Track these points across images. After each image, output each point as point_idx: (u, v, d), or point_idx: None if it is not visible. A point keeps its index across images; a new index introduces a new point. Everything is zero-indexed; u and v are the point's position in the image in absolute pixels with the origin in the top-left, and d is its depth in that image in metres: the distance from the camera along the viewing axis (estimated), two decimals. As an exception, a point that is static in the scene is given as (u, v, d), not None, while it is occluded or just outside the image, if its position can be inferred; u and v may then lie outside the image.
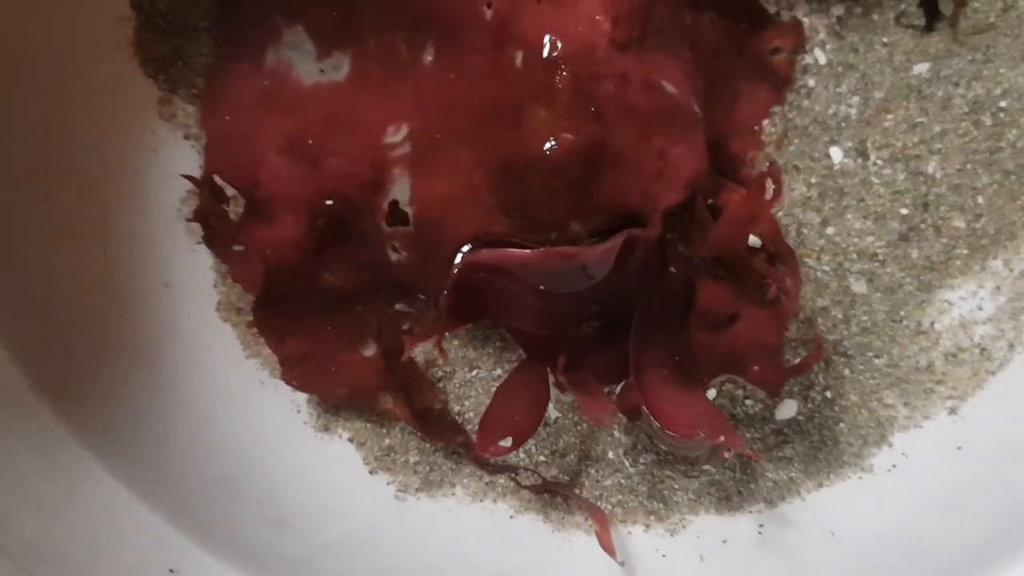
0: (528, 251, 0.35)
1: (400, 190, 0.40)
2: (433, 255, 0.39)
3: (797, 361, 0.41)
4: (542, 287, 0.36)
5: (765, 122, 0.44)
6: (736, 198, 0.38)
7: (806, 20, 0.45)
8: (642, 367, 0.37)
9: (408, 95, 0.41)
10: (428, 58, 0.40)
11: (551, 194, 0.37)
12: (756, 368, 0.37)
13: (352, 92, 0.42)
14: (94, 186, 0.42)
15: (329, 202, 0.41)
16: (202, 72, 0.44)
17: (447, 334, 0.43)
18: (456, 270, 0.37)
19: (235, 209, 0.42)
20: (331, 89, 0.42)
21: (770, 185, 0.37)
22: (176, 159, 0.43)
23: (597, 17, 0.37)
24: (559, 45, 0.37)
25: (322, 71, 0.42)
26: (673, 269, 0.37)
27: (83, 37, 0.43)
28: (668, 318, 0.37)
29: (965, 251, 0.44)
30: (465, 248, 0.37)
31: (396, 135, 0.40)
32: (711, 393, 0.42)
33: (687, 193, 0.37)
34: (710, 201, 0.39)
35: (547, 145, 0.37)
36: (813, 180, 0.44)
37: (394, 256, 0.40)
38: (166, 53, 0.44)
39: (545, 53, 0.37)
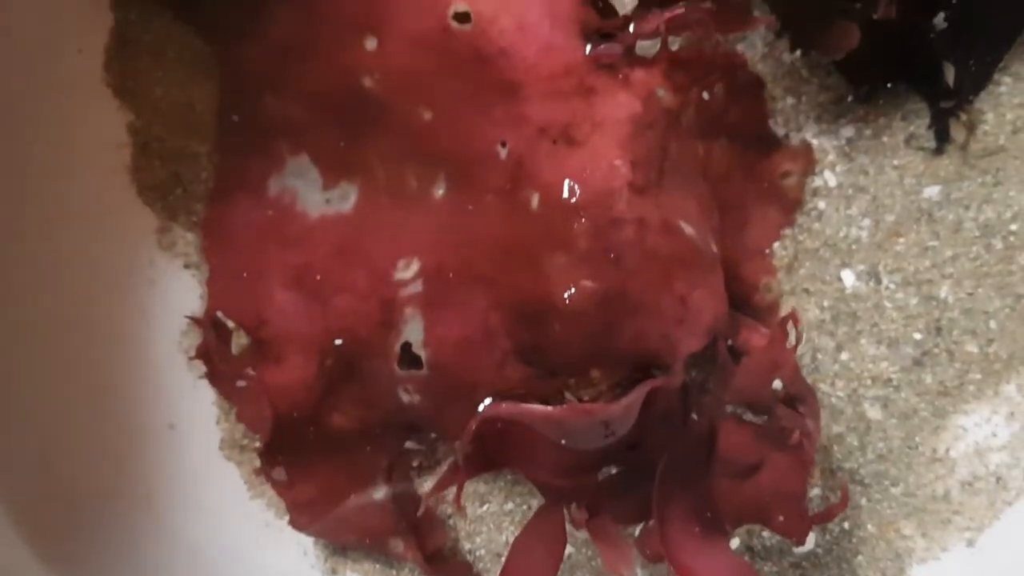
0: (550, 408, 0.35)
1: (412, 331, 0.39)
2: (449, 400, 0.38)
3: (821, 507, 0.40)
4: (563, 441, 0.35)
5: (776, 245, 0.44)
6: (758, 342, 0.38)
7: (815, 141, 0.44)
8: (665, 519, 0.36)
9: (418, 229, 0.40)
10: (439, 192, 0.39)
11: (570, 341, 0.36)
12: (781, 518, 0.36)
13: (360, 224, 0.41)
14: (92, 325, 0.41)
15: (338, 342, 0.39)
16: (202, 198, 0.43)
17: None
18: (476, 423, 0.36)
19: (238, 340, 0.41)
20: (338, 221, 0.41)
21: (791, 330, 0.37)
22: (176, 290, 0.42)
23: (616, 162, 0.37)
24: (577, 190, 0.36)
25: (328, 201, 0.41)
26: (695, 416, 0.37)
27: (78, 165, 0.42)
28: (691, 467, 0.37)
29: (978, 376, 0.43)
30: (486, 401, 0.36)
31: (406, 271, 0.39)
32: (734, 542, 0.41)
33: (708, 338, 0.37)
34: (729, 342, 0.38)
35: (567, 293, 0.36)
36: (825, 304, 0.44)
37: (406, 398, 0.39)
38: (164, 180, 0.43)
39: (563, 198, 0.36)
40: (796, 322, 0.36)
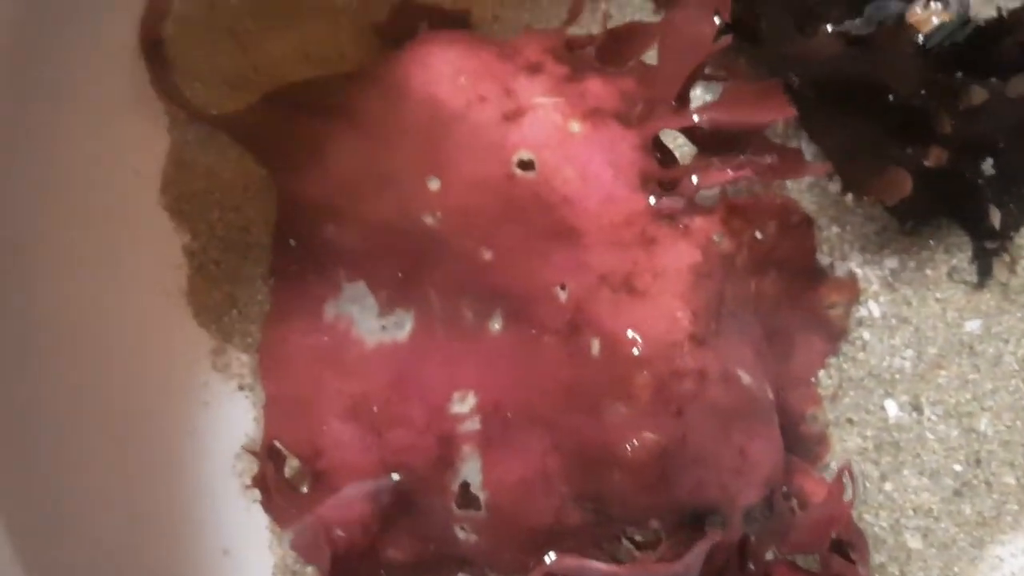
0: (615, 566, 0.35)
1: (470, 470, 0.39)
2: (506, 540, 0.39)
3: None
4: (624, 595, 0.36)
5: (821, 373, 0.45)
6: (814, 492, 0.38)
7: (859, 271, 0.45)
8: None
9: (474, 362, 0.40)
10: (495, 326, 0.40)
11: (630, 491, 0.37)
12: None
13: (415, 354, 0.41)
14: (146, 448, 0.41)
15: (396, 476, 0.40)
16: (256, 320, 0.43)
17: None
18: (539, 574, 0.36)
19: (291, 464, 0.42)
20: (394, 350, 0.41)
21: (847, 481, 0.38)
22: (230, 412, 0.42)
23: (678, 314, 0.37)
24: (640, 342, 0.37)
25: (384, 328, 0.42)
26: (752, 566, 0.37)
27: (134, 287, 0.42)
28: (746, 614, 0.37)
29: (1015, 507, 0.44)
30: (551, 555, 0.37)
31: (463, 404, 0.40)
32: None
33: (766, 490, 0.37)
34: (784, 488, 0.39)
35: (629, 445, 0.37)
36: (869, 433, 0.44)
37: (462, 535, 0.39)
38: (219, 302, 0.43)
39: (625, 348, 0.37)
40: (852, 475, 0.37)
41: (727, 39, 0.38)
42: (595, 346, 0.38)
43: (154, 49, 0.42)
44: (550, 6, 0.46)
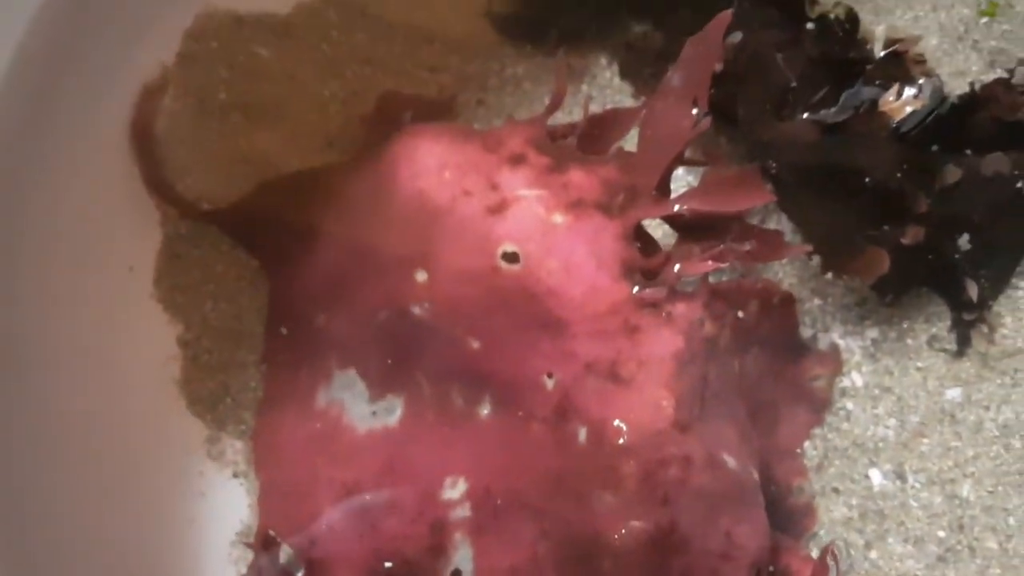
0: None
1: (462, 558, 0.40)
2: (499, 627, 0.40)
3: None
4: None
5: (806, 444, 0.46)
6: (799, 571, 0.39)
7: (842, 342, 0.46)
8: None
9: (464, 447, 0.41)
10: (484, 411, 0.41)
11: (619, 577, 0.38)
12: None
13: (406, 439, 0.42)
14: (142, 540, 0.42)
15: (388, 564, 0.41)
16: (250, 407, 0.44)
17: None
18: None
19: (286, 551, 0.42)
20: (385, 436, 0.42)
21: (831, 561, 0.38)
22: (226, 500, 0.43)
23: (663, 403, 0.38)
24: (625, 430, 0.38)
25: (374, 413, 0.42)
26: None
27: (128, 380, 0.43)
28: None
29: (998, 571, 0.45)
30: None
31: (454, 490, 0.40)
32: None
33: (752, 572, 0.38)
34: (771, 568, 0.40)
35: (616, 534, 0.37)
36: (854, 502, 0.45)
37: (457, 621, 0.40)
38: (213, 390, 0.44)
39: (611, 437, 0.38)
40: (835, 556, 0.38)
41: (707, 123, 0.39)
42: (582, 434, 0.39)
43: (145, 147, 0.43)
44: (533, 89, 0.47)
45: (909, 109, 0.39)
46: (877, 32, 0.43)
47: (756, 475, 0.40)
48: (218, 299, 0.44)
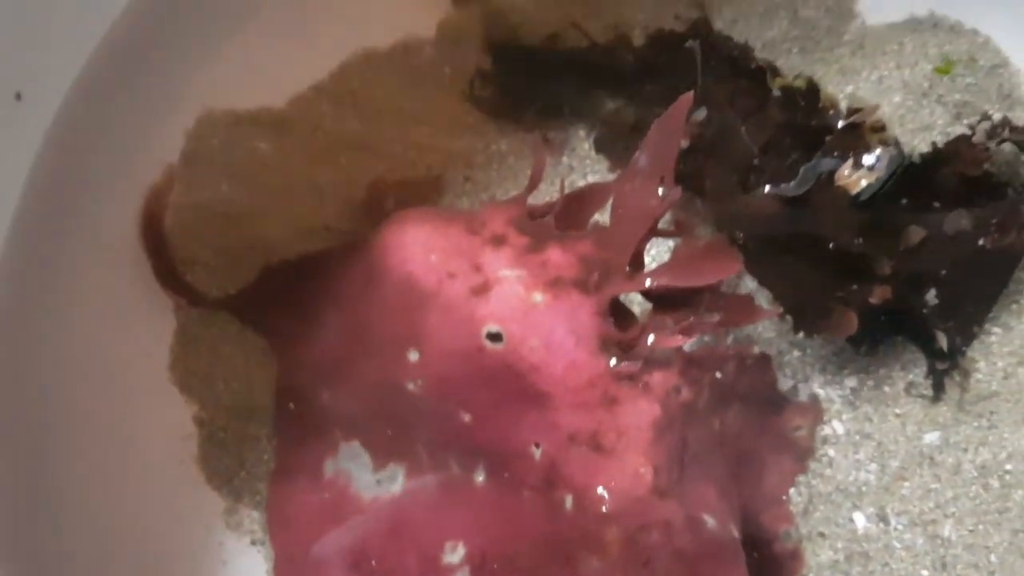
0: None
1: (463, 620, 0.43)
2: None
3: None
4: None
5: (792, 491, 0.48)
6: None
7: (821, 391, 0.48)
8: None
9: (463, 513, 0.44)
10: (480, 478, 0.43)
11: (608, 637, 0.40)
12: None
13: (409, 505, 0.45)
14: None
15: (396, 627, 0.44)
16: (264, 478, 0.47)
17: None
18: None
19: (303, 612, 0.45)
20: (389, 502, 0.45)
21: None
22: (245, 567, 0.46)
23: (641, 470, 0.40)
24: (607, 498, 0.40)
25: (379, 482, 0.45)
26: None
27: (148, 461, 0.46)
28: None
29: (983, 606, 0.47)
30: None
31: (454, 555, 0.43)
32: None
33: (734, 627, 0.41)
34: (754, 621, 0.42)
35: (603, 597, 0.40)
36: (839, 545, 0.47)
37: (460, 678, 0.43)
38: (229, 464, 0.47)
39: (594, 504, 0.40)
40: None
41: (676, 196, 0.42)
42: (568, 501, 0.41)
43: (154, 243, 0.46)
44: (516, 163, 0.49)
45: (864, 183, 0.41)
46: (840, 99, 0.45)
47: (736, 532, 0.43)
48: (229, 379, 0.47)
